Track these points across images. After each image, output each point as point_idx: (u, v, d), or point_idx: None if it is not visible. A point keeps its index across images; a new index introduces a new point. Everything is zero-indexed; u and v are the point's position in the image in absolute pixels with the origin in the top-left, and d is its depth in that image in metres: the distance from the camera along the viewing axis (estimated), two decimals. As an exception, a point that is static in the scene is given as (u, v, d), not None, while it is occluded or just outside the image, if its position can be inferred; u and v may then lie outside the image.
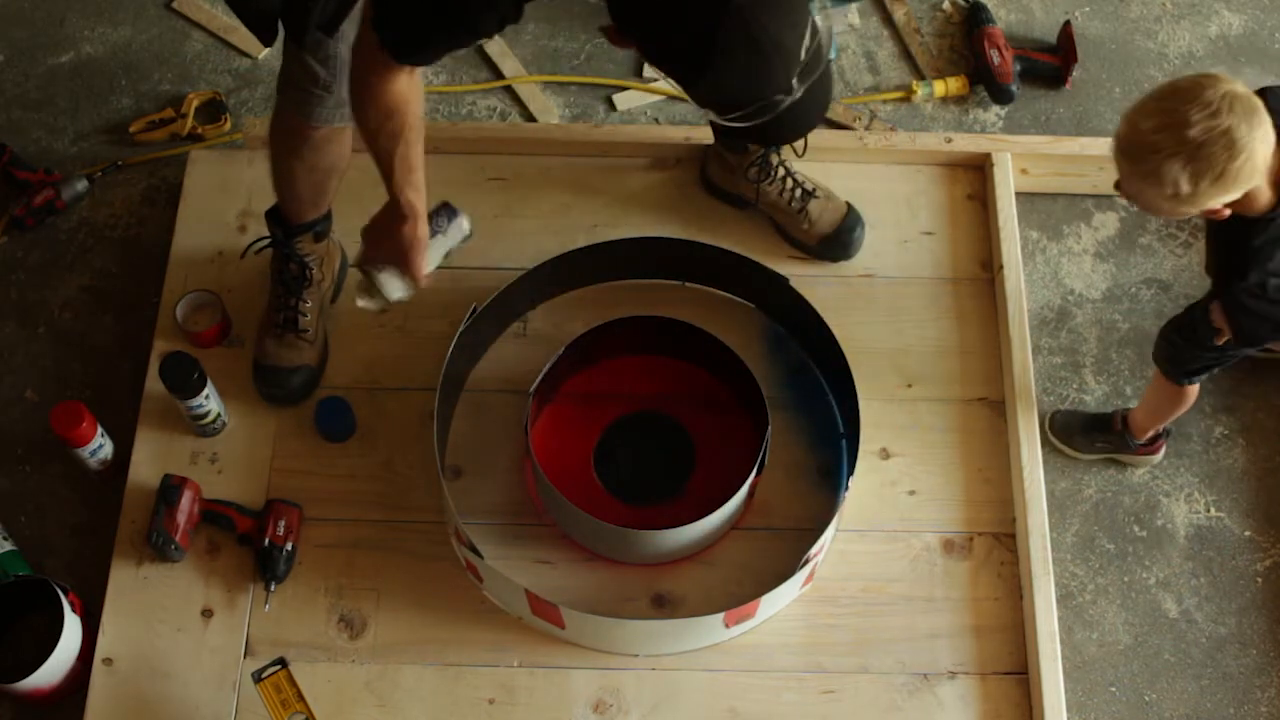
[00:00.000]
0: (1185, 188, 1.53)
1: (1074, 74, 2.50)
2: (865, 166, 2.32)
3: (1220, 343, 1.81)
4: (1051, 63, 2.51)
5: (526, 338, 2.17)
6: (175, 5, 2.57)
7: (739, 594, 1.95)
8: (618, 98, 2.49)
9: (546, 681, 1.92)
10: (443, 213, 1.80)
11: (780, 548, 1.99)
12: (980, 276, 2.24)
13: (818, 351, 2.13)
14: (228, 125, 2.42)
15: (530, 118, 2.47)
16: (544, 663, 1.93)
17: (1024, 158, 2.31)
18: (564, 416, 2.09)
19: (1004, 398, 2.13)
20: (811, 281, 2.15)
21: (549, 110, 2.47)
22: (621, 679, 1.93)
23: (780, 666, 1.94)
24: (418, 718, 1.89)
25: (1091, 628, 2.05)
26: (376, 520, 2.02)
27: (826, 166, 2.28)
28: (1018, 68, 2.48)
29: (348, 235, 2.19)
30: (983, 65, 2.48)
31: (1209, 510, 2.14)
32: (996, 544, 2.03)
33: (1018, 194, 2.28)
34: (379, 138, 1.61)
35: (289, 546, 1.95)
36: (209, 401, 2.00)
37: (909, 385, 2.14)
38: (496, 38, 2.51)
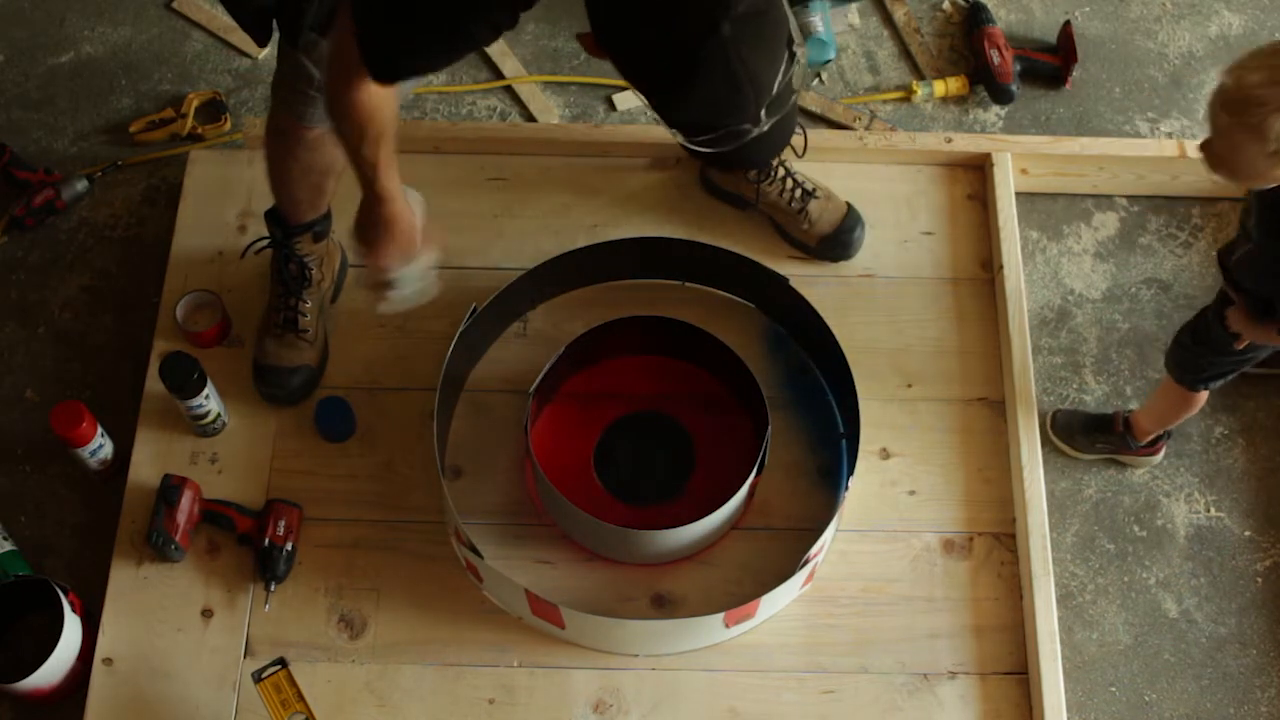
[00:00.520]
0: None
1: (1074, 74, 2.50)
2: (865, 166, 2.32)
3: (1240, 347, 1.80)
4: (1051, 63, 2.51)
5: (526, 338, 2.17)
6: (175, 5, 2.57)
7: (739, 594, 1.95)
8: (618, 98, 2.49)
9: (546, 681, 1.92)
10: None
11: (780, 548, 1.99)
12: (980, 276, 2.24)
13: (818, 351, 2.13)
14: (228, 125, 2.42)
15: (530, 118, 2.47)
16: (544, 663, 1.93)
17: (1024, 158, 2.31)
18: (564, 416, 2.09)
19: (1004, 398, 2.13)
20: (811, 281, 2.15)
21: (549, 110, 2.47)
22: (621, 679, 1.93)
23: (780, 666, 1.94)
24: (418, 718, 1.89)
25: (1091, 628, 2.05)
26: (376, 520, 2.02)
27: (826, 166, 2.28)
28: (1018, 68, 2.48)
29: (348, 235, 2.19)
30: (983, 65, 2.48)
31: (1209, 510, 2.14)
32: (996, 544, 2.03)
33: (1018, 194, 2.28)
34: (361, 146, 1.61)
35: (289, 546, 1.95)
36: (209, 401, 2.00)
37: (909, 385, 2.14)
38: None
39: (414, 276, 1.76)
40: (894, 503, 2.05)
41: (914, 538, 2.03)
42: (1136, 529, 2.12)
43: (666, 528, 1.88)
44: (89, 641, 1.92)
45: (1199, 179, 2.34)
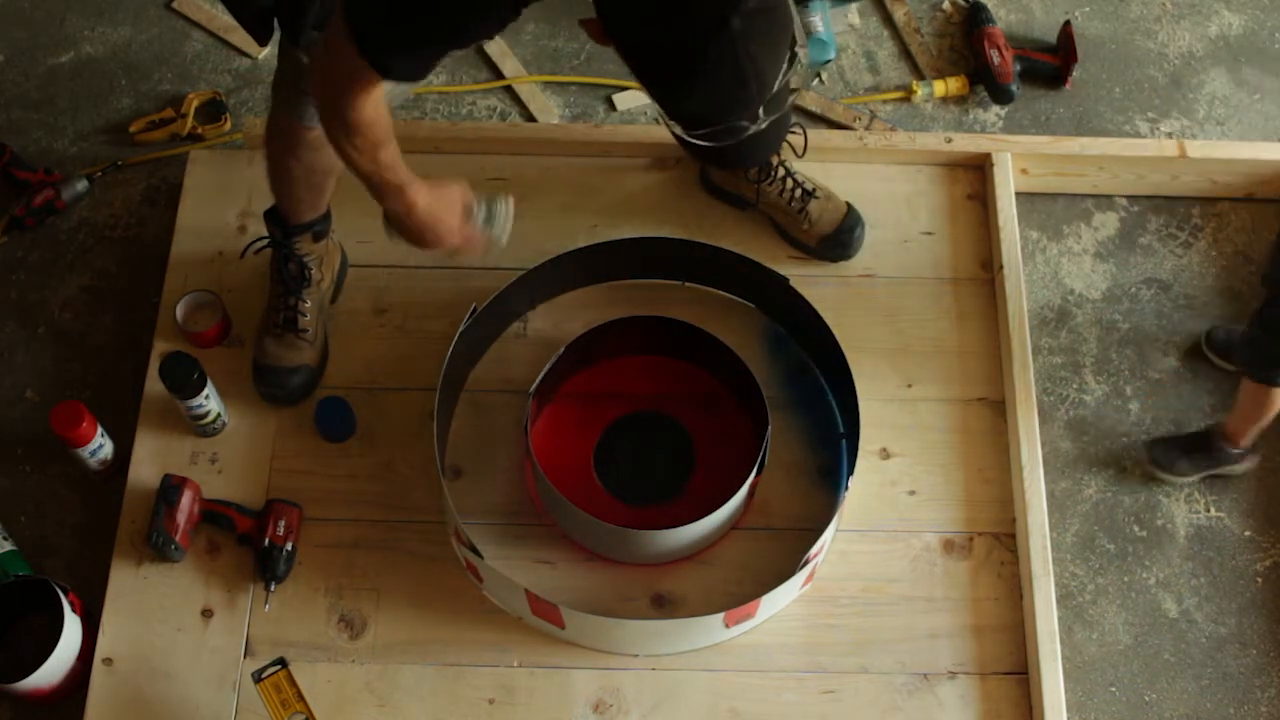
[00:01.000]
0: None
1: (1074, 74, 2.50)
2: (865, 166, 2.32)
3: None
4: (1051, 63, 2.51)
5: (526, 338, 2.17)
6: (175, 5, 2.57)
7: (739, 594, 1.95)
8: (618, 98, 2.49)
9: (546, 681, 1.92)
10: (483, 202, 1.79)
11: (780, 548, 1.99)
12: (980, 276, 2.24)
13: (818, 351, 2.13)
14: (228, 125, 2.42)
15: (530, 118, 2.47)
16: (544, 663, 1.93)
17: (1024, 158, 2.31)
18: (564, 416, 2.09)
19: (1004, 398, 2.13)
20: (811, 281, 2.15)
21: (549, 110, 2.47)
22: (621, 679, 1.93)
23: (780, 666, 1.94)
24: (418, 718, 1.89)
25: (1091, 628, 2.05)
26: (376, 520, 2.02)
27: (826, 166, 2.28)
28: (1018, 68, 2.48)
29: (348, 235, 2.19)
30: (983, 65, 2.48)
31: (1209, 510, 2.14)
32: (996, 544, 2.03)
33: (1018, 194, 2.28)
34: (359, 157, 1.59)
35: (289, 546, 1.95)
36: (209, 401, 2.00)
37: (909, 385, 2.14)
38: (497, 38, 2.51)
39: (497, 214, 1.76)
40: (894, 503, 2.05)
41: (914, 538, 2.03)
42: (1136, 529, 2.12)
43: (666, 528, 1.88)
44: (89, 641, 1.92)
45: (1199, 179, 2.35)
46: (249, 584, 1.97)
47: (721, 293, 2.20)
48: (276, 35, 1.75)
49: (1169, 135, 2.47)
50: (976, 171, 2.32)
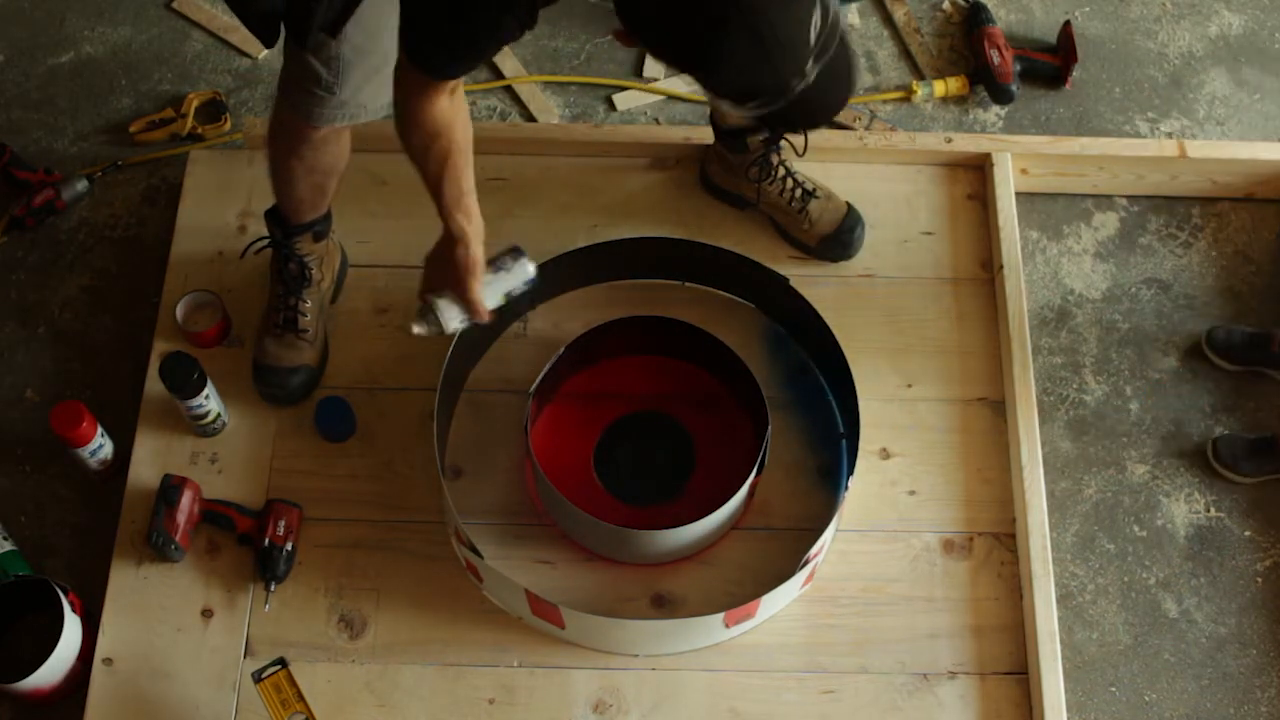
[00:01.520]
0: None
1: (1074, 74, 2.50)
2: (865, 166, 2.32)
3: None
4: (1051, 63, 2.51)
5: (526, 338, 2.17)
6: (175, 5, 2.57)
7: (739, 594, 1.95)
8: (618, 98, 2.49)
9: (546, 681, 1.92)
10: (509, 254, 1.80)
11: (780, 548, 1.99)
12: (980, 276, 2.24)
13: (818, 351, 2.13)
14: (228, 125, 2.42)
15: (530, 118, 2.47)
16: (544, 663, 1.93)
17: (1024, 158, 2.31)
18: (564, 416, 2.09)
19: (1004, 398, 2.13)
20: (811, 281, 2.15)
21: (549, 110, 2.47)
22: (621, 679, 1.93)
23: (780, 666, 1.94)
24: (418, 718, 1.89)
25: (1091, 628, 2.05)
26: (376, 520, 2.02)
27: (826, 166, 2.28)
28: (1018, 68, 2.48)
29: (348, 235, 2.20)
30: (983, 65, 2.48)
31: (1209, 510, 2.14)
32: (996, 544, 2.03)
33: (1018, 194, 2.28)
34: (426, 162, 1.65)
35: (289, 546, 1.95)
36: (209, 401, 2.00)
37: (909, 385, 2.14)
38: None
39: (456, 317, 1.77)
40: (894, 503, 2.05)
41: (914, 538, 2.03)
42: (1136, 529, 2.12)
43: (666, 528, 1.88)
44: (89, 641, 1.92)
45: (1199, 179, 2.35)
46: (249, 584, 1.97)
47: (721, 293, 2.20)
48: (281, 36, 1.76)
49: (1169, 135, 2.48)
50: (976, 171, 2.32)
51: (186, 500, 1.95)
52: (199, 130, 2.41)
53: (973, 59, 2.53)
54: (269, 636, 1.93)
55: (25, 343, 2.24)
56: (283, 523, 1.96)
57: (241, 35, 2.51)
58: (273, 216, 2.02)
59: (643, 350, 2.12)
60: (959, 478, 2.07)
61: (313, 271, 2.06)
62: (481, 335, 2.11)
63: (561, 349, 2.00)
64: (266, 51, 2.51)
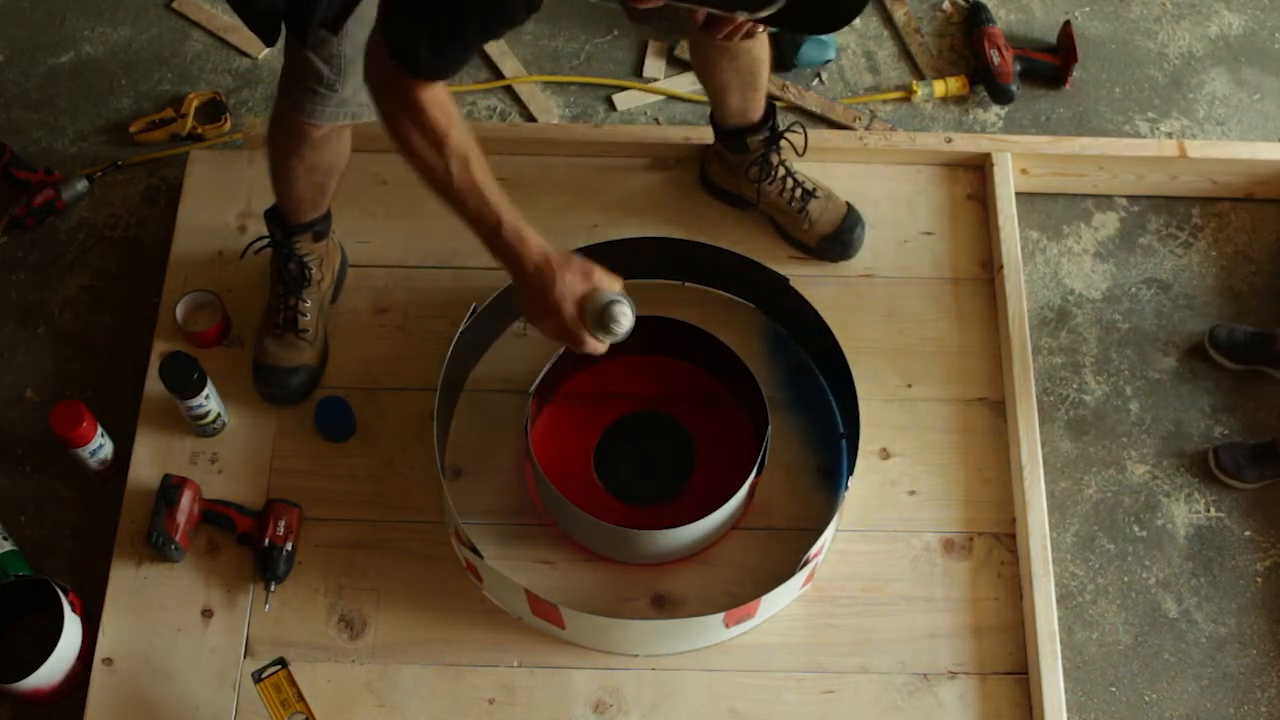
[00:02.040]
0: None
1: (1074, 74, 2.50)
2: (865, 166, 2.32)
3: None
4: (1051, 63, 2.51)
5: (526, 338, 2.17)
6: (175, 5, 2.57)
7: (739, 594, 1.95)
8: (618, 98, 2.49)
9: (546, 681, 1.92)
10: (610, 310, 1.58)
11: (780, 548, 1.99)
12: (980, 276, 2.24)
13: (818, 351, 2.13)
14: (228, 125, 2.42)
15: (530, 118, 2.47)
16: (544, 663, 1.93)
17: (1024, 158, 2.31)
18: (564, 416, 2.09)
19: (1004, 398, 2.13)
20: (811, 281, 2.15)
21: (549, 110, 2.47)
22: (621, 679, 1.93)
23: (780, 666, 1.94)
24: (418, 718, 1.89)
25: (1091, 628, 2.05)
26: (376, 520, 2.02)
27: (826, 166, 2.28)
28: (1018, 68, 2.48)
29: (348, 235, 2.20)
30: (983, 65, 2.48)
31: (1209, 510, 2.14)
32: (996, 544, 2.03)
33: (1018, 194, 2.28)
34: (450, 164, 1.53)
35: (289, 546, 1.95)
36: (209, 401, 2.00)
37: (909, 385, 2.14)
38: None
39: (623, 312, 1.56)
40: (894, 503, 2.05)
41: (914, 538, 2.03)
42: (1136, 529, 2.12)
43: (666, 528, 1.88)
44: (89, 641, 1.92)
45: (1199, 179, 2.35)
46: (249, 584, 1.97)
47: (721, 293, 2.20)
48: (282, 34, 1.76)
49: (1169, 135, 2.48)
50: (976, 171, 2.32)
51: (186, 500, 1.95)
52: (199, 130, 2.41)
53: (973, 59, 2.53)
54: (269, 636, 1.93)
55: (25, 343, 2.24)
56: (283, 523, 1.96)
57: (241, 35, 2.51)
58: (273, 216, 2.02)
59: (643, 350, 2.12)
60: (959, 478, 2.07)
61: (313, 271, 2.06)
62: (481, 335, 2.11)
63: (561, 349, 2.00)
64: (266, 51, 2.51)
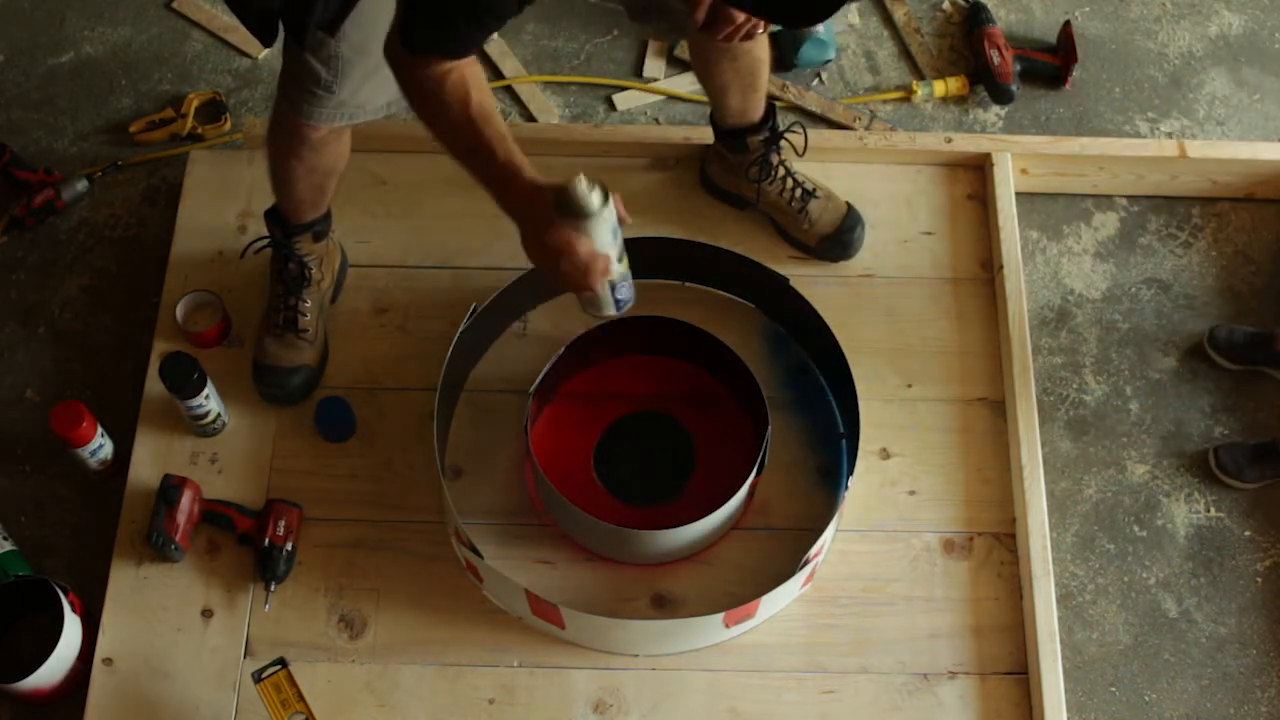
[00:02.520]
0: None
1: (1074, 74, 2.50)
2: (865, 166, 2.32)
3: None
4: (1051, 63, 2.51)
5: (526, 338, 2.17)
6: (175, 5, 2.57)
7: (739, 594, 1.95)
8: (618, 98, 2.49)
9: (546, 681, 1.92)
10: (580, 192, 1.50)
11: (780, 548, 1.99)
12: (980, 276, 2.24)
13: (818, 351, 2.13)
14: (228, 125, 2.42)
15: (530, 118, 2.47)
16: (544, 663, 1.93)
17: (1024, 158, 2.31)
18: (564, 416, 2.09)
19: (1004, 398, 2.13)
20: (811, 281, 2.15)
21: (549, 110, 2.47)
22: (621, 679, 1.93)
23: (780, 666, 1.94)
24: (418, 718, 1.89)
25: (1091, 628, 2.05)
26: (376, 520, 2.02)
27: (826, 166, 2.28)
28: (1018, 68, 2.48)
29: (348, 235, 2.20)
30: (983, 65, 2.48)
31: (1209, 510, 2.14)
32: (996, 544, 2.03)
33: (1018, 194, 2.28)
34: (469, 123, 1.52)
35: (289, 546, 1.95)
36: (209, 401, 2.00)
37: (909, 385, 2.14)
38: (496, 37, 2.51)
39: (598, 198, 1.48)
40: (894, 503, 2.05)
41: (914, 538, 2.03)
42: (1136, 529, 2.12)
43: (666, 528, 1.88)
44: (89, 641, 1.92)
45: (1199, 179, 2.35)
46: (249, 584, 1.97)
47: (721, 293, 2.20)
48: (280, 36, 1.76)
49: (1169, 135, 2.48)
50: (976, 171, 2.32)
51: (186, 500, 1.95)
52: (199, 130, 2.41)
53: (973, 59, 2.53)
54: (269, 636, 1.93)
55: (25, 343, 2.24)
56: (283, 523, 1.96)
57: (241, 35, 2.51)
58: (273, 216, 2.02)
59: (643, 350, 2.12)
60: (959, 478, 2.07)
61: (313, 271, 2.06)
62: (482, 335, 2.11)
63: (561, 349, 2.00)
64: (266, 51, 2.51)
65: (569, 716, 1.90)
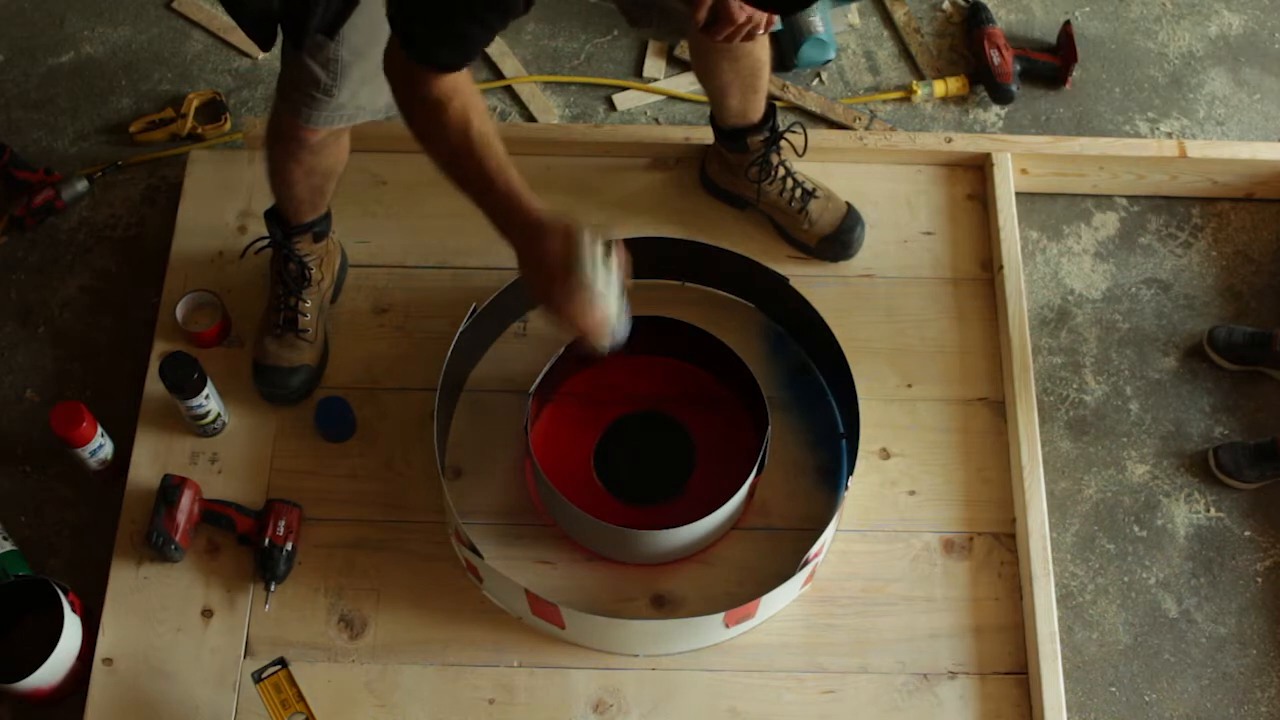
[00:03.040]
0: None
1: (1074, 74, 2.50)
2: (865, 166, 2.32)
3: None
4: (1051, 63, 2.51)
5: (526, 338, 2.17)
6: (175, 5, 2.57)
7: (739, 594, 1.95)
8: (618, 98, 2.49)
9: (546, 681, 1.92)
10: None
11: (780, 548, 1.99)
12: (980, 276, 2.24)
13: (818, 351, 2.13)
14: (228, 125, 2.42)
15: (530, 118, 2.47)
16: (544, 663, 1.93)
17: (1024, 158, 2.31)
18: (564, 416, 2.09)
19: (1004, 398, 2.13)
20: (811, 281, 2.15)
21: (549, 110, 2.47)
22: (621, 679, 1.93)
23: (780, 666, 1.94)
24: (418, 718, 1.89)
25: (1091, 628, 2.05)
26: (376, 520, 2.02)
27: (826, 166, 2.28)
28: (1018, 68, 2.48)
29: (348, 235, 2.20)
30: (983, 65, 2.48)
31: (1209, 510, 2.14)
32: (996, 544, 2.03)
33: (1018, 194, 2.28)
34: (453, 142, 1.54)
35: (289, 546, 1.95)
36: (209, 401, 2.00)
37: (909, 385, 2.14)
38: (496, 37, 2.50)
39: (602, 272, 1.53)
40: (894, 503, 2.05)
41: (914, 538, 2.03)
42: (1136, 529, 2.12)
43: (666, 528, 1.88)
44: (89, 641, 1.92)
45: (1199, 179, 2.35)
46: (249, 584, 1.97)
47: (721, 293, 2.20)
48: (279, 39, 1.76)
49: (1169, 135, 2.48)
50: (976, 171, 2.32)
51: (186, 500, 1.95)
52: (199, 130, 2.41)
53: (973, 59, 2.53)
54: (269, 636, 1.94)
55: (25, 343, 2.24)
56: (283, 523, 1.96)
57: (242, 35, 2.49)
58: (272, 216, 2.02)
59: (643, 350, 2.11)
60: (959, 478, 2.07)
61: (313, 271, 2.06)
62: (481, 335, 2.11)
63: (561, 349, 2.00)
64: (266, 52, 2.50)
65: (569, 716, 1.90)
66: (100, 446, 2.02)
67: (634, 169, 2.32)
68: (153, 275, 2.24)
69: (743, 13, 1.66)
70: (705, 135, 2.25)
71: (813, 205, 2.19)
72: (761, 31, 1.78)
